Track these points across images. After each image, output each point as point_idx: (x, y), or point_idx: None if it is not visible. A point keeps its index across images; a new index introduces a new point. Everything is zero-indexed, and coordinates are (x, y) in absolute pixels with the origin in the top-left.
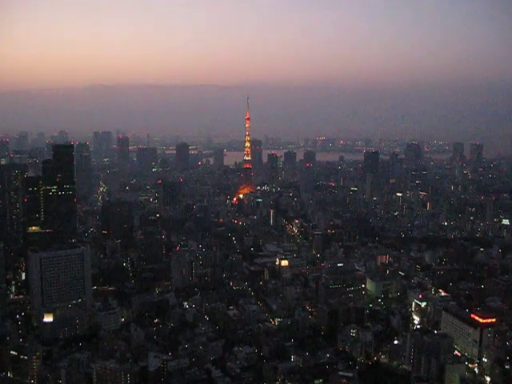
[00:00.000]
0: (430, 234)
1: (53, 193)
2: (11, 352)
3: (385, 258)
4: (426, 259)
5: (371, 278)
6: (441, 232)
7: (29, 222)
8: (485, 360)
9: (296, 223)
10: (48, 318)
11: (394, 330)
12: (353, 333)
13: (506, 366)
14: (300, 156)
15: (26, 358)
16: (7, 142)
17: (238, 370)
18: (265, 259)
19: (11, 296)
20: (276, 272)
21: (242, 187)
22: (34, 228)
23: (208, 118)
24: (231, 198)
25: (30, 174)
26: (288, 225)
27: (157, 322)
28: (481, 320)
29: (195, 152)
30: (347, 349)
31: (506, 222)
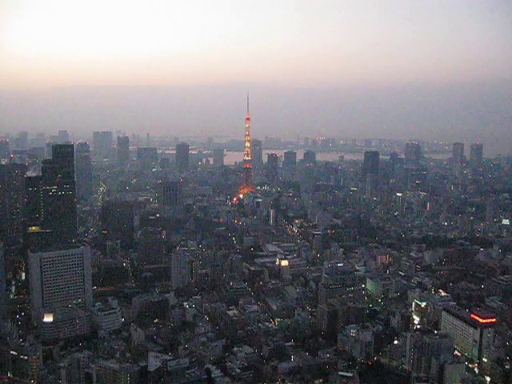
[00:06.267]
0: (430, 234)
1: (53, 193)
2: (11, 352)
3: (385, 258)
4: (426, 259)
5: (371, 278)
6: (441, 232)
7: (29, 221)
8: (485, 360)
9: (296, 223)
10: (48, 318)
11: (394, 330)
12: (353, 333)
13: (506, 366)
14: (300, 156)
15: (25, 358)
16: (7, 142)
17: (238, 370)
18: (265, 259)
19: (11, 296)
20: (276, 272)
21: (242, 187)
22: (33, 228)
23: (208, 117)
24: (231, 198)
25: (30, 174)
26: (288, 225)
27: (157, 322)
28: (481, 320)
29: (195, 152)
30: (347, 349)
31: (506, 221)
